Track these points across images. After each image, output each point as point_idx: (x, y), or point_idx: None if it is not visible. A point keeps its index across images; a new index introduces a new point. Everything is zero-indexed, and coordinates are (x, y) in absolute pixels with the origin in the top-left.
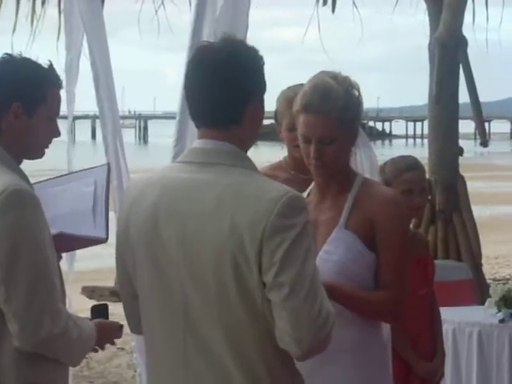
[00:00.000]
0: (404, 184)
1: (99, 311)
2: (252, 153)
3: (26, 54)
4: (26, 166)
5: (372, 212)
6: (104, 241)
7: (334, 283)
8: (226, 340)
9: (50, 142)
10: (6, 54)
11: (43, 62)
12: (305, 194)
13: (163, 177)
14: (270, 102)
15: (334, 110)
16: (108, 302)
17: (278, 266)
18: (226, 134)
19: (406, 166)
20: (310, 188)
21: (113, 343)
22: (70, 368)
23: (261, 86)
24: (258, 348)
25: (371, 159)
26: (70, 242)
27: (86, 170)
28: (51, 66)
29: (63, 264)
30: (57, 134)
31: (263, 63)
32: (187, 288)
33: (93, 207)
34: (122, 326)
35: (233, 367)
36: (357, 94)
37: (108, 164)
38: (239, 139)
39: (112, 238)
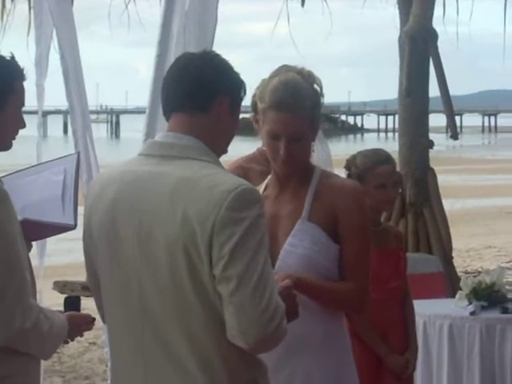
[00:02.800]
0: (377, 178)
1: (72, 303)
2: None
3: None
4: None
5: (333, 202)
6: (72, 227)
7: (300, 276)
8: (182, 333)
9: (17, 133)
10: None
11: (6, 55)
12: (261, 187)
13: (124, 171)
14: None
15: (304, 109)
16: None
17: (226, 260)
18: (191, 122)
19: (379, 160)
20: (266, 181)
21: (81, 335)
22: (42, 362)
23: (231, 90)
24: (214, 340)
25: (326, 152)
26: (38, 229)
27: (56, 159)
28: (13, 57)
29: (33, 259)
30: (23, 125)
31: (241, 80)
32: (144, 284)
33: (62, 195)
34: (94, 319)
35: (190, 361)
36: (319, 89)
37: (78, 153)
38: (204, 131)
39: (81, 232)
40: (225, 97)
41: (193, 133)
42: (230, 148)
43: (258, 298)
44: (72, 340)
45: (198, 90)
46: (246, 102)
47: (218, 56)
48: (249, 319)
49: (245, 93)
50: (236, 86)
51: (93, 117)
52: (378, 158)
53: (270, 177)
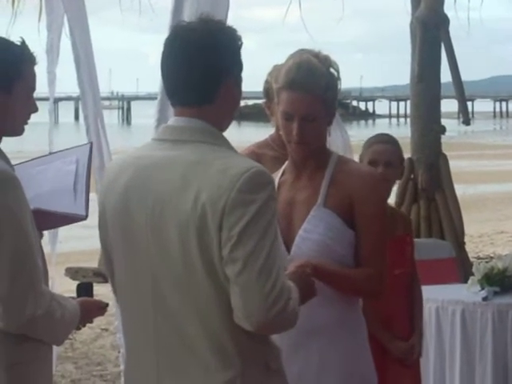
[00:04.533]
0: (370, 154)
1: (84, 289)
2: (236, 133)
3: (7, 35)
4: (8, 147)
5: (349, 189)
6: (83, 218)
7: (318, 262)
8: (194, 316)
9: (29, 118)
10: None
11: (15, 39)
12: (279, 173)
13: (137, 157)
14: (252, 83)
15: (318, 89)
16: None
17: (234, 241)
18: (199, 112)
19: (377, 139)
20: (283, 167)
21: (91, 322)
22: (54, 349)
23: (236, 66)
24: (226, 324)
25: (344, 138)
26: (49, 219)
27: (68, 149)
28: (23, 42)
29: (46, 246)
30: (34, 109)
31: (241, 43)
32: (157, 268)
33: (74, 185)
34: (107, 305)
35: (202, 344)
36: (336, 73)
37: (91, 143)
38: (213, 117)
39: (93, 219)
40: (229, 78)
41: (203, 117)
42: (242, 134)
43: (263, 280)
44: (84, 326)
45: (203, 85)
46: (258, 88)
47: (214, 29)
48: (253, 301)
49: (241, 44)
50: (237, 57)
51: (106, 103)
52: (378, 137)
53: (287, 163)
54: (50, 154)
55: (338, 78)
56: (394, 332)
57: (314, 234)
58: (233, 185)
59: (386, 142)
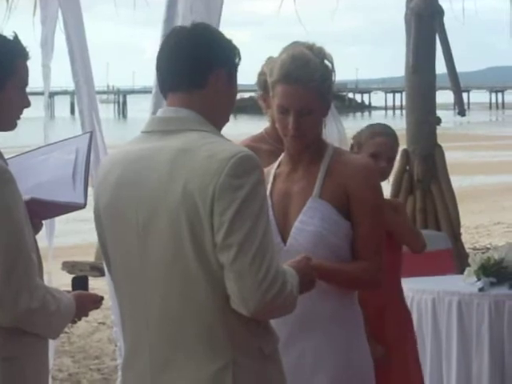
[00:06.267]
0: (373, 146)
1: (79, 283)
2: (232, 126)
3: (2, 30)
4: (3, 142)
5: (345, 179)
6: (82, 206)
7: (315, 262)
8: (185, 304)
9: (22, 113)
10: None
11: (8, 34)
12: (275, 165)
13: (127, 151)
14: (247, 76)
15: (312, 81)
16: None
17: (226, 227)
18: (188, 99)
19: (381, 131)
20: (279, 159)
21: (86, 315)
22: (51, 343)
23: (225, 60)
24: (217, 309)
25: (339, 130)
26: (47, 208)
27: (68, 139)
28: (16, 37)
29: (42, 240)
30: (27, 104)
31: (233, 46)
32: (150, 258)
33: (73, 174)
34: (102, 298)
35: (192, 331)
36: (330, 65)
37: (91, 132)
38: (202, 105)
39: (90, 213)
40: (220, 69)
41: (191, 107)
42: (237, 127)
43: (257, 265)
44: (80, 319)
45: (192, 68)
46: (253, 81)
47: (208, 28)
48: (248, 286)
49: (240, 59)
50: (230, 54)
51: (103, 97)
52: (381, 128)
53: (283, 154)
54: (51, 144)
55: (333, 70)
56: (386, 321)
57: (310, 225)
58: (221, 170)
59: (389, 135)
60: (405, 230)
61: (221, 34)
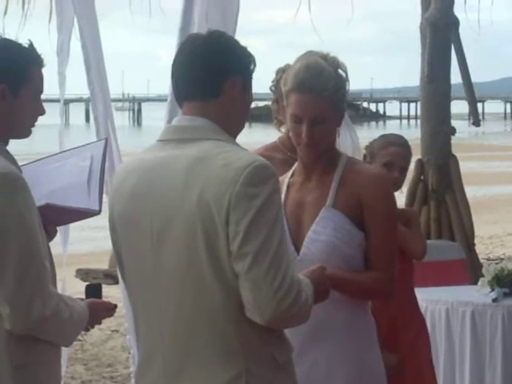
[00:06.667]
0: (387, 156)
1: (93, 290)
2: (246, 134)
3: (18, 37)
4: (18, 149)
5: (358, 189)
6: (97, 213)
7: (332, 273)
8: (199, 312)
9: (36, 121)
10: None
11: (24, 41)
12: (289, 174)
13: (142, 159)
14: (262, 84)
15: (326, 90)
16: (102, 285)
17: (242, 236)
18: (204, 107)
19: (394, 140)
20: (293, 168)
21: (100, 323)
22: (64, 350)
23: (241, 68)
24: (230, 317)
25: (353, 139)
26: (61, 214)
27: (83, 145)
28: (31, 44)
29: (57, 247)
30: (42, 111)
31: (248, 53)
32: (164, 267)
33: (88, 180)
34: (115, 306)
35: (205, 339)
36: (344, 75)
37: (105, 139)
38: (218, 114)
39: (104, 221)
40: (236, 77)
41: (207, 116)
42: (251, 136)
43: (272, 273)
44: (93, 327)
45: (207, 77)
46: (266, 89)
47: (223, 35)
48: (264, 295)
49: (255, 66)
50: (245, 62)
51: (118, 105)
52: (394, 138)
53: (296, 164)
54: (67, 150)
55: (347, 79)
56: (399, 332)
57: (323, 235)
58: (236, 179)
59: (402, 144)
60: (406, 235)
61: (236, 42)
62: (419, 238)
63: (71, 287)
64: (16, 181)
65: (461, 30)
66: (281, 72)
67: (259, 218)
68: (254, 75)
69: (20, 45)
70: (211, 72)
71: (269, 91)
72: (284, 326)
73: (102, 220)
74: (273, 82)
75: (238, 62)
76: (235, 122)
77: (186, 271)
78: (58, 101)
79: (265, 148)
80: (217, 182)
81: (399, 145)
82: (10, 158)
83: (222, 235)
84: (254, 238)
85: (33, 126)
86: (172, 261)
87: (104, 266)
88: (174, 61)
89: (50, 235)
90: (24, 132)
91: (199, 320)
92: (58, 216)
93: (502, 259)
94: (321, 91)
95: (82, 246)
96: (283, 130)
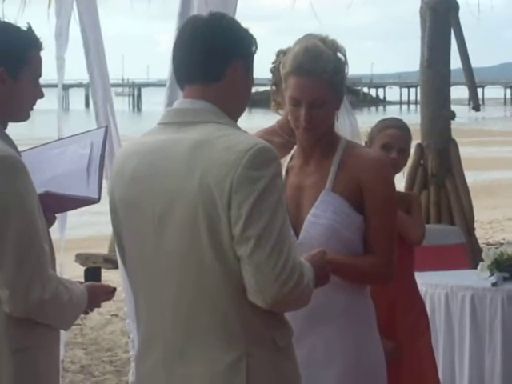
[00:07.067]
0: (385, 137)
1: (92, 274)
2: (246, 119)
3: (17, 22)
4: (18, 133)
5: (357, 172)
6: (96, 201)
7: (331, 257)
8: (200, 295)
9: (35, 104)
10: None
11: (22, 25)
12: (287, 158)
13: (143, 142)
14: (262, 69)
15: (325, 73)
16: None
17: (244, 220)
18: (205, 91)
19: (393, 123)
20: (292, 152)
21: (99, 306)
22: (64, 335)
23: (243, 52)
24: (232, 301)
25: (352, 124)
26: (60, 202)
27: (83, 133)
28: (30, 28)
29: (55, 232)
30: (40, 95)
31: (250, 35)
32: (166, 250)
33: (87, 168)
34: (114, 289)
35: (206, 323)
36: (343, 58)
37: (106, 126)
38: (219, 97)
39: (103, 205)
40: (238, 60)
41: (208, 99)
42: (250, 120)
43: (275, 257)
44: (92, 311)
45: (208, 60)
46: (266, 74)
47: (225, 17)
48: (266, 278)
49: (256, 47)
50: (247, 44)
51: (118, 90)
52: (393, 121)
53: (295, 148)
54: (67, 137)
55: (346, 63)
56: (397, 317)
57: (323, 218)
58: (238, 162)
59: (401, 127)
60: (405, 222)
61: (238, 23)
62: (418, 223)
63: (70, 272)
64: (15, 164)
65: (461, 15)
66: (282, 54)
67: (261, 201)
68: (254, 60)
69: (19, 28)
70: (212, 54)
71: (269, 77)
72: (286, 310)
73: (102, 205)
74: (273, 63)
75: (241, 45)
76: (236, 105)
77: (188, 254)
78: (56, 86)
79: (263, 132)
80: (218, 165)
81: (398, 127)
82: (9, 142)
83: (223, 218)
84: (257, 222)
85: (31, 109)
86: (173, 243)
87: (104, 250)
88: (175, 43)
89: (49, 222)
90: (23, 115)
91: (200, 303)
92: (56, 204)
93: (501, 244)
94: (319, 74)
95: (82, 230)
96: (281, 112)
